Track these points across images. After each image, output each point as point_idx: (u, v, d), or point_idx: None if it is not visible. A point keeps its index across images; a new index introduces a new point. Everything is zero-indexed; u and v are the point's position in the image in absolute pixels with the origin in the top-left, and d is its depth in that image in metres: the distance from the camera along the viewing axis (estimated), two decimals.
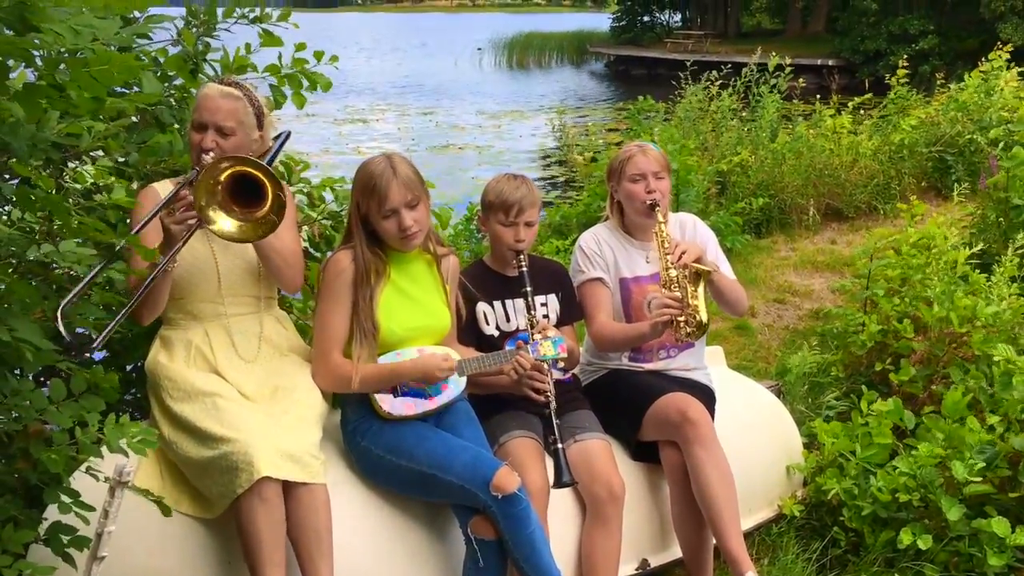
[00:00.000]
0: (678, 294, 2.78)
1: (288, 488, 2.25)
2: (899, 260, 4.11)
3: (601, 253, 3.05)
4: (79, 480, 1.99)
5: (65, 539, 1.94)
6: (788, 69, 8.70)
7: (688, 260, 2.81)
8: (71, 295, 2.14)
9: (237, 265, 2.60)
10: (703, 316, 2.79)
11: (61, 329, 2.07)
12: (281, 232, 2.40)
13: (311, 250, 3.23)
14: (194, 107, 2.54)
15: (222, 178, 2.30)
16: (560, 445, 2.60)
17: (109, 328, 2.20)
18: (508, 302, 2.89)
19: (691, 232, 3.13)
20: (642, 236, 3.07)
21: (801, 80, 11.46)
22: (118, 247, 2.16)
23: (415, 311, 2.62)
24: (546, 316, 2.90)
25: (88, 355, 2.14)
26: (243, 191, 2.33)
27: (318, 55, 3.05)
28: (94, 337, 2.22)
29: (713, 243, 3.14)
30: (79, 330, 2.20)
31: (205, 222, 2.32)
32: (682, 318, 2.78)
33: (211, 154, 2.45)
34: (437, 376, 2.53)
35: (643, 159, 2.97)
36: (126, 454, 1.83)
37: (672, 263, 2.82)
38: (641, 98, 8.33)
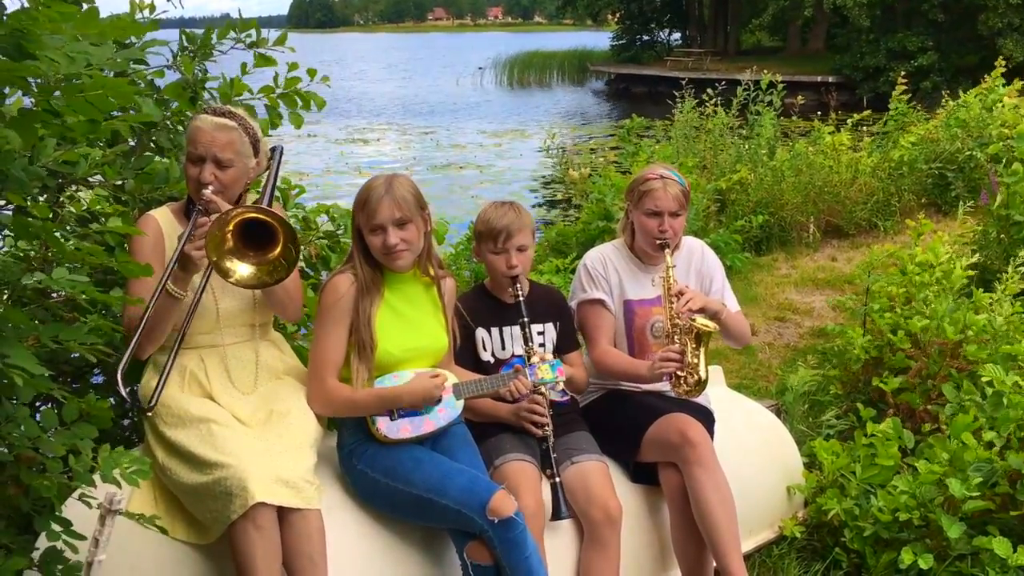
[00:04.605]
0: (679, 347, 2.78)
1: (282, 514, 2.23)
2: (903, 279, 4.11)
3: (606, 275, 3.04)
4: (72, 507, 1.98)
5: (58, 567, 1.93)
6: (781, 86, 8.73)
7: (693, 306, 2.80)
8: (124, 359, 2.28)
9: (235, 298, 2.59)
10: (702, 374, 2.80)
11: (122, 392, 2.25)
12: None
13: (307, 270, 3.23)
14: (188, 139, 2.51)
15: (229, 227, 2.31)
16: (558, 479, 2.59)
17: (161, 383, 2.38)
18: (505, 329, 2.88)
19: (698, 261, 3.13)
20: (650, 260, 3.06)
21: (800, 97, 11.50)
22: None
23: (411, 332, 2.61)
24: (542, 345, 2.89)
25: (148, 411, 2.38)
26: (253, 234, 2.33)
27: (311, 73, 3.05)
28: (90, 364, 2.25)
29: (720, 273, 3.14)
30: (73, 355, 2.21)
31: (222, 275, 2.32)
32: (682, 373, 2.79)
33: (210, 188, 2.45)
34: (434, 394, 2.52)
35: (663, 195, 2.92)
36: (119, 484, 1.82)
37: (676, 312, 2.82)
38: (630, 120, 8.38)
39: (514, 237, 2.77)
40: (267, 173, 2.69)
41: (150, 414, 2.45)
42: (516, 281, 2.79)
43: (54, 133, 1.89)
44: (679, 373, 2.80)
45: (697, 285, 3.07)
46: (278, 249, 2.34)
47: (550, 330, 2.94)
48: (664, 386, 2.96)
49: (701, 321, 2.79)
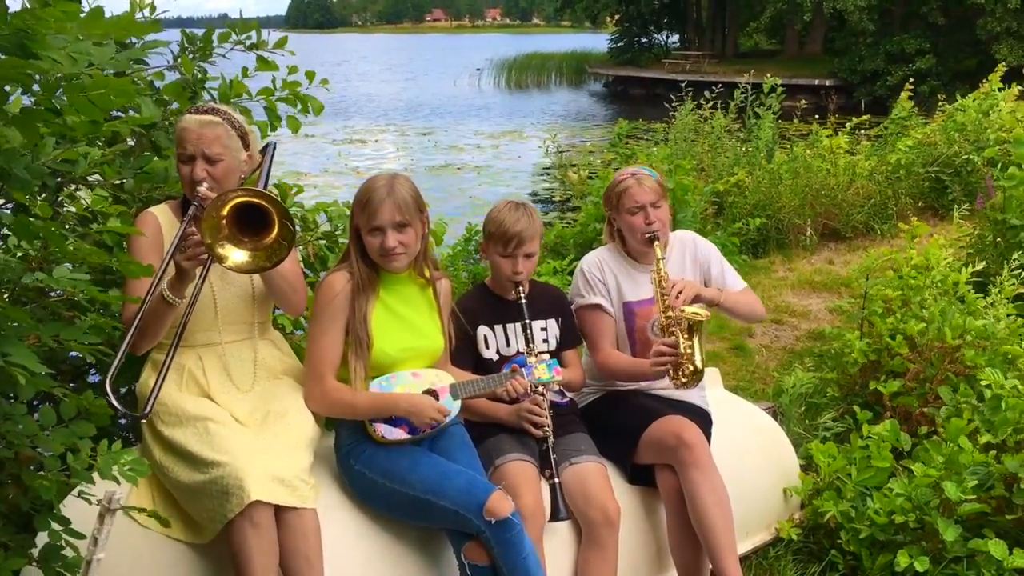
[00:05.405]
0: (673, 339, 2.79)
1: (278, 513, 2.24)
2: (900, 282, 4.12)
3: (604, 279, 3.05)
4: (71, 505, 1.98)
5: (58, 565, 1.93)
6: (780, 90, 8.74)
7: (687, 297, 2.81)
8: (113, 368, 2.25)
9: (233, 294, 2.60)
10: (698, 363, 2.80)
11: (112, 400, 2.17)
12: None
13: (305, 270, 3.24)
14: (176, 142, 2.54)
15: (224, 212, 2.30)
16: (557, 480, 2.60)
17: (156, 388, 2.35)
18: (509, 326, 2.88)
19: (691, 250, 3.13)
20: (645, 259, 3.07)
21: (803, 101, 11.50)
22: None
23: (407, 332, 2.62)
24: (546, 341, 2.90)
25: (143, 418, 2.34)
26: (248, 220, 2.33)
27: (309, 76, 3.06)
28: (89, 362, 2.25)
29: (716, 256, 3.14)
30: (72, 354, 2.21)
31: (217, 260, 2.32)
32: (678, 365, 2.79)
33: (205, 184, 2.46)
34: (424, 421, 2.51)
35: (639, 190, 2.95)
36: (118, 482, 1.82)
37: (669, 304, 2.82)
38: (617, 124, 8.40)
39: (525, 245, 2.78)
40: (259, 170, 2.70)
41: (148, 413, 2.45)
42: (519, 284, 2.80)
43: (55, 132, 1.90)
44: (675, 365, 2.80)
45: (696, 274, 3.08)
46: (274, 233, 2.33)
47: (552, 326, 2.95)
48: (662, 386, 2.98)
49: (691, 310, 2.79)
